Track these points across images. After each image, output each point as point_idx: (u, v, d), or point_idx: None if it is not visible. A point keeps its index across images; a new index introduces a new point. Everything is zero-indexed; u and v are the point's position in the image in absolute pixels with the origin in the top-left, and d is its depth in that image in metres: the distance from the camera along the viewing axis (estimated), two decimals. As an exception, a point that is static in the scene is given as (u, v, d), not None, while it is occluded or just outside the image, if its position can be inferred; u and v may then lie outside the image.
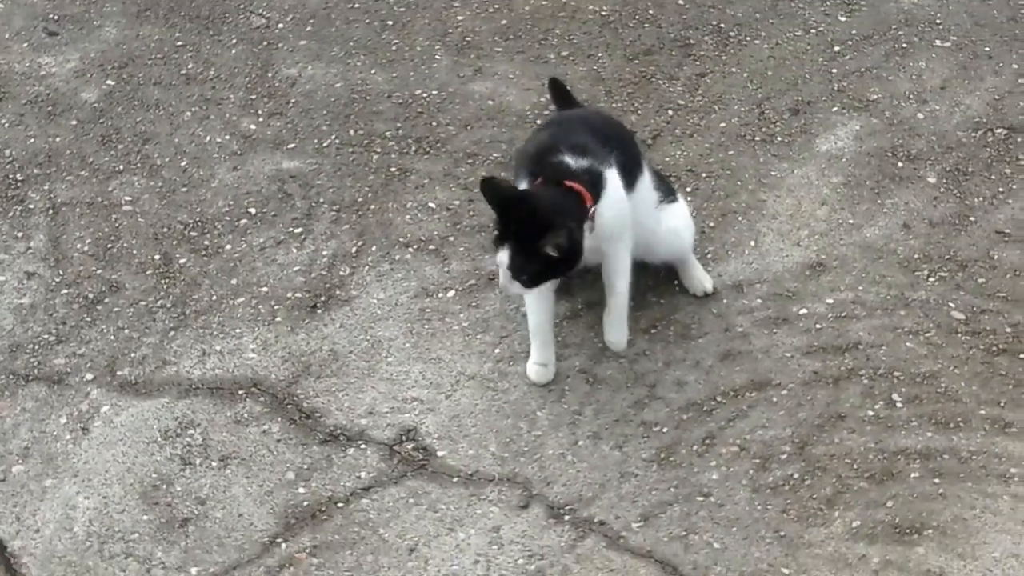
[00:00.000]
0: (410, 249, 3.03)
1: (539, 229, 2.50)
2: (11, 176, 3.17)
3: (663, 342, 2.83)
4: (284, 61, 3.43)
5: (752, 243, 3.01)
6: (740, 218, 3.06)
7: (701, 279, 2.87)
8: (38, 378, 2.81)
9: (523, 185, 2.64)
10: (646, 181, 2.76)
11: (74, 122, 3.29)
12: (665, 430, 2.70)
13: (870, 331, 2.84)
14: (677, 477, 2.62)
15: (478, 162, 3.20)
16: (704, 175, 3.15)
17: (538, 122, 3.25)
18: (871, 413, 2.70)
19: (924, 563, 2.47)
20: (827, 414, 2.71)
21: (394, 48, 3.46)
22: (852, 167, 3.17)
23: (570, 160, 2.59)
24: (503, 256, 2.53)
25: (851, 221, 3.06)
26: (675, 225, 2.80)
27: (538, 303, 2.69)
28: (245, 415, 2.74)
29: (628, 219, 2.66)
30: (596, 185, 2.59)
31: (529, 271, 2.53)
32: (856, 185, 3.13)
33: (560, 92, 3.02)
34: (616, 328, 2.75)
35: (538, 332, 2.72)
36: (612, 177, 2.63)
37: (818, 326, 2.85)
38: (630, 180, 2.69)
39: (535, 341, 2.73)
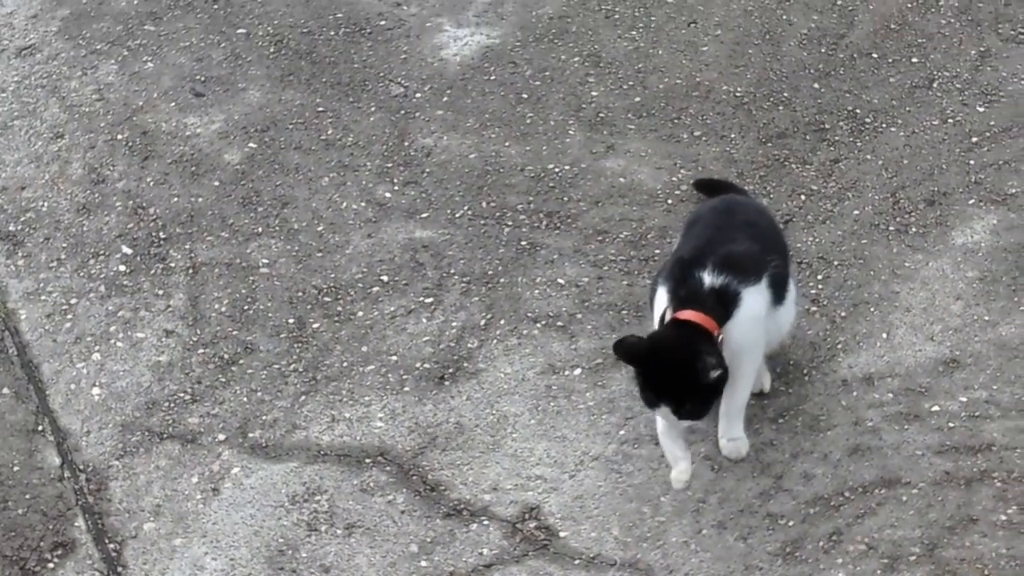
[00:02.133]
0: (538, 325, 3.05)
1: (690, 372, 2.50)
2: (154, 234, 3.26)
3: (790, 433, 2.81)
4: (421, 130, 3.48)
5: (884, 335, 2.98)
6: (872, 309, 3.03)
7: (762, 375, 2.82)
8: (172, 436, 2.87)
9: (662, 291, 2.63)
10: (792, 290, 2.75)
11: (216, 183, 3.37)
12: (791, 524, 2.67)
13: (1004, 432, 2.79)
14: (802, 573, 2.59)
15: (608, 239, 3.22)
16: (836, 263, 3.13)
17: (669, 203, 3.26)
18: (1004, 518, 2.65)
19: None
20: (958, 516, 2.66)
21: (528, 121, 3.50)
22: (988, 262, 3.12)
23: (707, 278, 2.57)
24: (665, 412, 2.53)
25: (986, 318, 3.01)
26: (789, 315, 2.79)
27: None
28: (371, 484, 2.78)
29: (760, 339, 2.65)
30: (726, 307, 2.57)
31: (702, 408, 2.54)
32: (992, 281, 3.09)
33: (711, 188, 3.03)
34: (731, 430, 2.72)
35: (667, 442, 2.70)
36: (750, 298, 2.60)
37: (950, 424, 2.81)
38: (780, 293, 2.68)
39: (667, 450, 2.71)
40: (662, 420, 2.63)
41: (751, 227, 2.73)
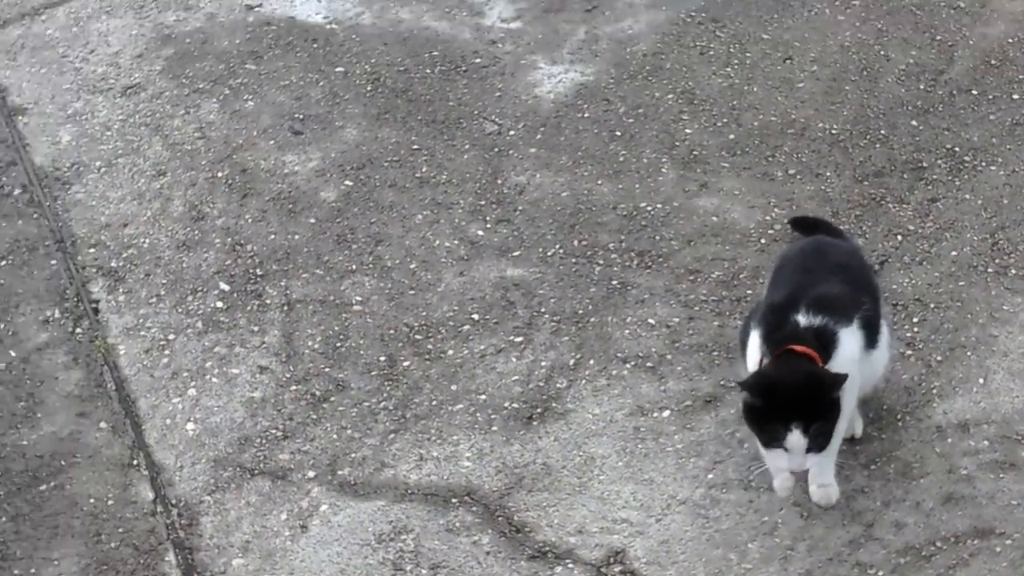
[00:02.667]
0: (627, 365, 3.04)
1: (819, 388, 2.49)
2: (251, 271, 3.32)
3: (882, 480, 2.77)
4: (514, 168, 3.50)
5: (981, 380, 2.92)
6: (969, 353, 2.97)
7: (854, 420, 2.78)
8: (263, 472, 2.92)
9: (755, 336, 2.62)
10: (885, 333, 2.72)
11: (312, 220, 3.43)
12: (881, 573, 2.63)
13: (1104, 484, 2.71)
14: (891, 625, 2.55)
15: (700, 279, 3.20)
16: (933, 306, 3.08)
17: (762, 243, 3.24)
18: (1102, 573, 2.58)
19: None
20: (1054, 571, 2.59)
21: (621, 159, 3.50)
22: (1091, 306, 3.05)
23: (802, 319, 2.56)
24: (795, 438, 2.49)
25: (1088, 364, 2.94)
26: (882, 359, 2.74)
27: None
28: (457, 524, 2.79)
29: (855, 382, 2.61)
30: (826, 347, 2.56)
31: (827, 430, 2.51)
32: (1095, 325, 3.01)
33: (807, 226, 3.01)
34: (822, 475, 2.69)
35: None
36: (847, 339, 2.59)
37: (1048, 475, 2.75)
38: (872, 336, 2.65)
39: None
40: (779, 468, 2.58)
41: (841, 269, 2.70)
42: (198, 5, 3.98)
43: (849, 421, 2.74)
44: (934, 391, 2.91)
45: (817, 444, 2.52)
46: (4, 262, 3.36)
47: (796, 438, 2.50)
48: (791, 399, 2.49)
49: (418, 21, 3.88)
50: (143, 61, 3.85)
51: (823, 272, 2.68)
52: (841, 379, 2.52)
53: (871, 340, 2.67)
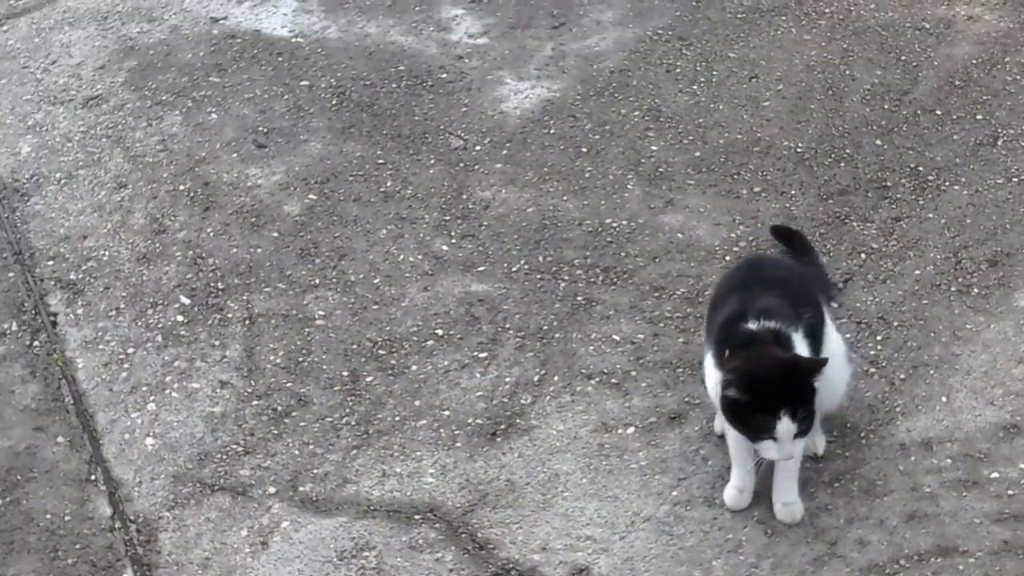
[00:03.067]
0: (592, 381, 3.03)
1: (798, 374, 2.53)
2: (213, 285, 3.29)
3: (846, 497, 2.77)
4: (479, 183, 3.49)
5: (944, 399, 2.93)
6: (932, 371, 2.98)
7: (816, 437, 2.79)
8: (223, 488, 2.88)
9: (708, 355, 2.63)
10: (837, 347, 2.72)
11: (276, 234, 3.40)
12: (844, 592, 2.63)
13: (1067, 503, 2.72)
14: (855, 644, 2.54)
15: (664, 296, 3.20)
16: (896, 324, 3.09)
17: (727, 260, 3.24)
18: (1065, 592, 2.58)
19: None
20: (1017, 589, 2.60)
21: (587, 175, 3.49)
22: (1053, 325, 3.07)
23: (754, 325, 2.59)
24: (785, 425, 2.52)
25: (1050, 383, 2.95)
26: (838, 373, 2.75)
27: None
28: (420, 541, 2.76)
29: None
30: (785, 349, 2.58)
31: (811, 412, 2.54)
32: (1057, 345, 3.02)
33: (786, 235, 3.02)
34: (785, 493, 2.69)
35: (739, 456, 2.67)
36: (799, 344, 2.62)
37: (1010, 492, 2.75)
38: (816, 346, 2.66)
39: (736, 465, 2.69)
40: (745, 471, 2.60)
41: (780, 282, 2.73)
42: (162, 17, 3.96)
43: (810, 438, 2.74)
44: (897, 409, 2.91)
45: (804, 428, 2.55)
46: (-39, 274, 3.32)
47: (786, 425, 2.52)
48: (776, 387, 2.52)
49: (384, 36, 3.87)
50: (105, 72, 3.81)
51: (763, 286, 2.70)
52: (820, 363, 2.55)
53: (815, 350, 2.68)
